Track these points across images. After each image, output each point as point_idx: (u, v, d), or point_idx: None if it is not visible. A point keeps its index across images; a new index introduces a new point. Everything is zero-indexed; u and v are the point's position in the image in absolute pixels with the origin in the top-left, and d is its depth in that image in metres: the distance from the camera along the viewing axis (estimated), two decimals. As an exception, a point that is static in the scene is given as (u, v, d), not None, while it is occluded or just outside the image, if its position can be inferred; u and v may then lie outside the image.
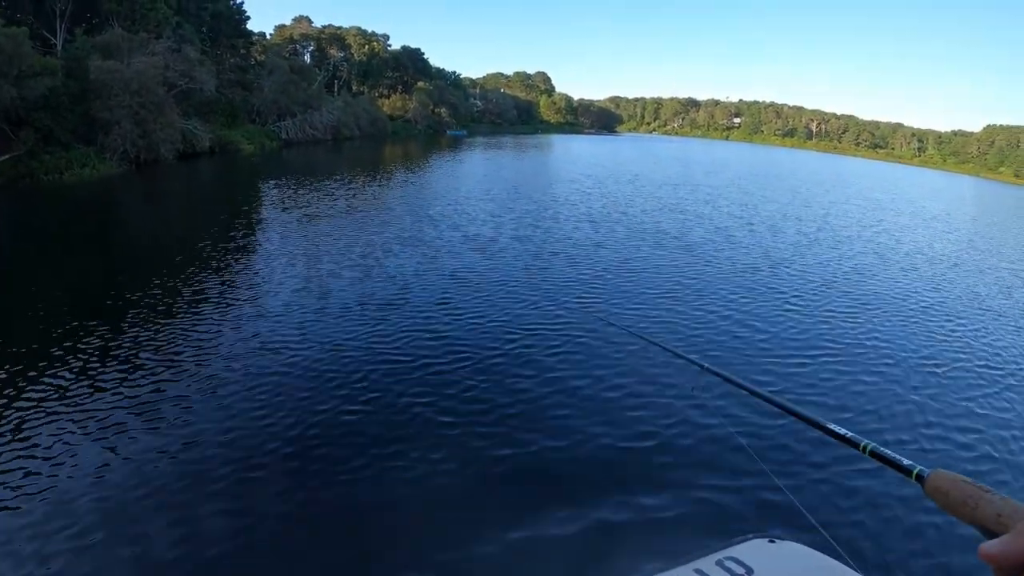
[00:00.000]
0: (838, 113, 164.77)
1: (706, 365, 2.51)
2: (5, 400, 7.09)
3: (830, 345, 10.73)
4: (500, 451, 6.50)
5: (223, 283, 12.25)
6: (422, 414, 7.17)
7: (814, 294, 14.19)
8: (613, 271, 14.73)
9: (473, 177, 34.77)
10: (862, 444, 1.32)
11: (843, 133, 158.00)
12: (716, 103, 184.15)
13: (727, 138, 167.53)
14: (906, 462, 1.15)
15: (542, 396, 7.83)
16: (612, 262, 15.58)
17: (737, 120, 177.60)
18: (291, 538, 5.15)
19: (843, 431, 1.41)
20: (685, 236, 19.90)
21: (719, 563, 2.35)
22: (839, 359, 10.09)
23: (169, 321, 9.94)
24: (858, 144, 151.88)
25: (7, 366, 7.93)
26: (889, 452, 1.22)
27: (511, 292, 12.38)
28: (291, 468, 6.05)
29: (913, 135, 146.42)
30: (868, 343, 11.11)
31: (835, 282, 15.54)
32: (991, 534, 0.75)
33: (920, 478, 1.05)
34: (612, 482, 6.07)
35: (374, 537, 5.27)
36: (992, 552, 0.58)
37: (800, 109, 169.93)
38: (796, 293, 14.10)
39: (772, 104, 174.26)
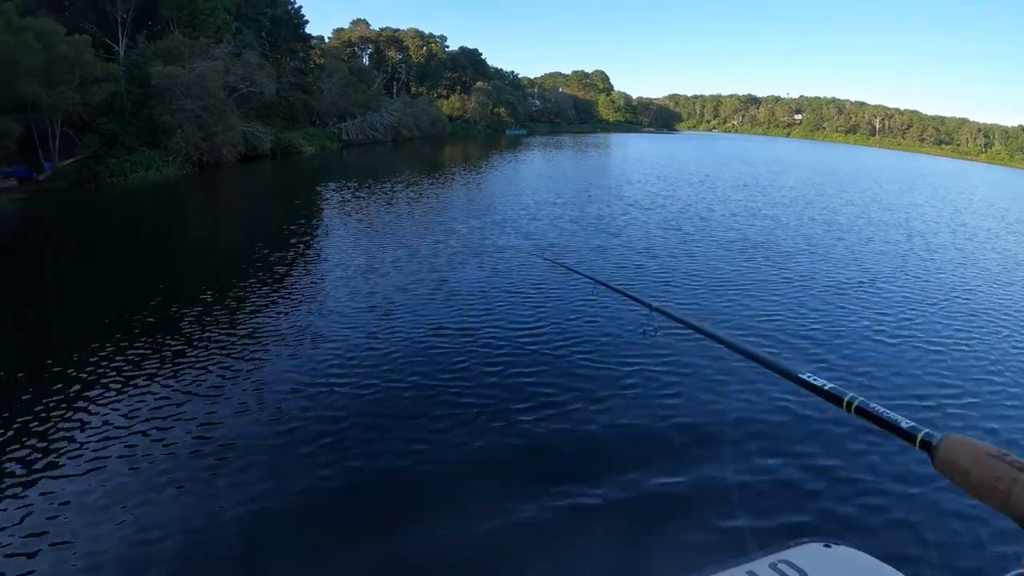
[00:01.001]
0: (902, 108, 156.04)
1: (655, 305, 2.46)
2: (68, 391, 7.29)
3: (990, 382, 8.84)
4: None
5: (282, 281, 12.13)
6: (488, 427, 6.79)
7: (933, 317, 11.89)
8: (705, 285, 12.80)
9: (537, 178, 32.99)
10: (846, 399, 1.05)
11: (907, 129, 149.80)
12: (776, 99, 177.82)
13: (788, 135, 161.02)
14: (905, 424, 0.88)
15: (613, 404, 7.35)
16: (701, 275, 13.58)
17: (798, 117, 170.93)
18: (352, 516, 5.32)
19: (820, 382, 1.16)
20: (772, 245, 17.48)
21: (772, 566, 2.28)
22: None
23: (227, 320, 9.90)
24: (922, 140, 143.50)
25: (73, 359, 8.18)
26: (885, 410, 0.96)
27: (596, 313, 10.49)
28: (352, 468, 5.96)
29: (979, 130, 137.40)
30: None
31: (946, 301, 13.11)
32: None
33: (928, 445, 0.81)
34: (662, 472, 5.89)
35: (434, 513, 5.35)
36: None
37: (863, 105, 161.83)
38: (908, 315, 11.79)
39: (834, 100, 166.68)
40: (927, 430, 0.83)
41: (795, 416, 7.06)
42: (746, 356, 1.49)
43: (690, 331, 1.98)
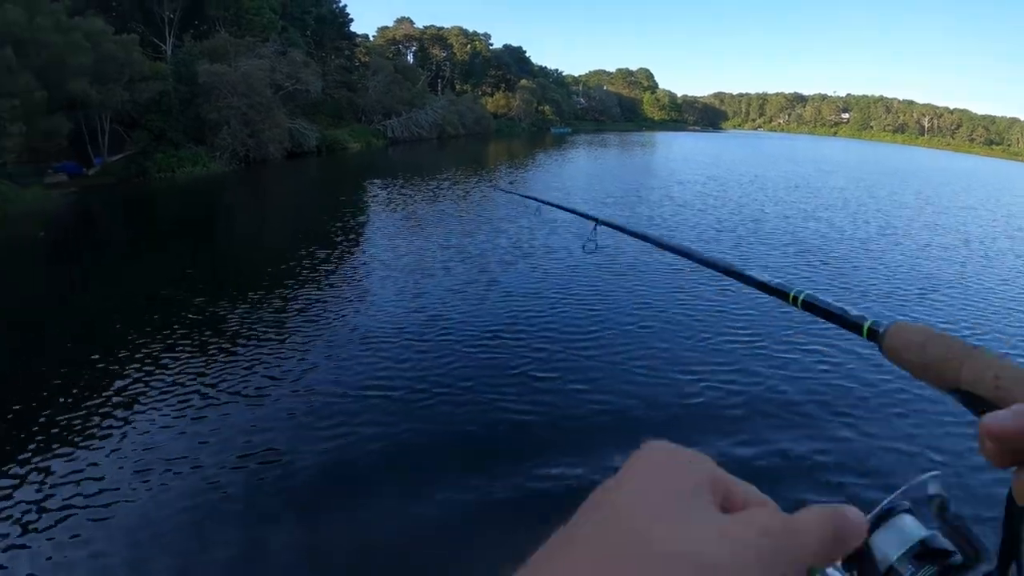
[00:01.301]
0: (951, 108, 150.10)
1: (601, 219, 2.43)
2: (110, 389, 7.06)
3: None
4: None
5: (328, 280, 11.75)
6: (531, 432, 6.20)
7: (997, 325, 10.45)
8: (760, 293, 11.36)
9: (585, 177, 31.56)
10: (791, 294, 1.06)
11: (956, 129, 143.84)
12: (823, 98, 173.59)
13: (835, 134, 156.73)
14: (854, 313, 0.89)
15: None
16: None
17: (845, 115, 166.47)
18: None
19: (766, 279, 1.17)
20: (827, 250, 15.67)
21: None
22: None
23: (273, 319, 9.55)
24: (972, 140, 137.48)
25: (118, 356, 7.98)
26: (831, 302, 0.96)
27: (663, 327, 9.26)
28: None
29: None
30: None
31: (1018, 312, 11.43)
32: (983, 403, 0.57)
33: (875, 334, 0.79)
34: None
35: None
36: (1006, 426, 0.38)
37: (911, 103, 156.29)
38: (976, 326, 10.32)
39: (881, 98, 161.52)
40: (874, 319, 0.82)
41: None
42: (694, 260, 1.48)
43: (635, 239, 1.92)
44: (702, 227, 17.83)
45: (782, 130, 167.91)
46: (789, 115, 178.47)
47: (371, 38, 69.96)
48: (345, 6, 49.83)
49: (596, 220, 2.48)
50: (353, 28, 52.22)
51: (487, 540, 4.60)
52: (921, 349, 0.67)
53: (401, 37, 73.67)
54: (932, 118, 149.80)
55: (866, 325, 0.82)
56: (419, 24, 77.02)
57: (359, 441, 5.89)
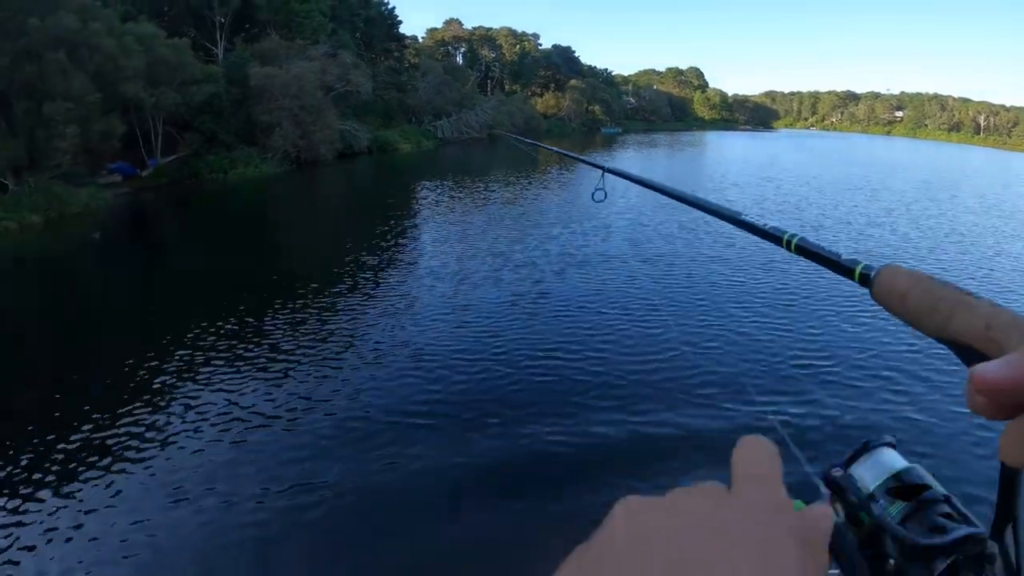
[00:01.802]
0: (1007, 105, 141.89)
1: (607, 167, 2.47)
2: (156, 391, 7.04)
3: None
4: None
5: (376, 288, 11.38)
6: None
7: None
8: (833, 309, 9.81)
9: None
10: (784, 238, 1.08)
11: (1013, 127, 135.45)
12: (876, 96, 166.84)
13: (889, 133, 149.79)
14: (845, 257, 0.88)
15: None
16: (825, 295, 10.50)
17: (899, 114, 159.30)
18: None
19: (761, 223, 1.18)
20: (895, 258, 13.44)
21: None
22: None
23: (318, 325, 9.30)
24: None
25: (168, 356, 7.92)
26: (823, 246, 0.98)
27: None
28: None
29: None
30: None
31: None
32: (973, 353, 0.54)
33: (865, 278, 0.77)
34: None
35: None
36: (996, 377, 0.35)
37: (967, 101, 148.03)
38: None
39: (936, 96, 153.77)
40: (866, 263, 0.80)
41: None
42: (691, 204, 1.52)
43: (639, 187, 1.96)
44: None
45: (835, 129, 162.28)
46: (842, 114, 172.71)
47: (420, 39, 70.17)
48: (394, 8, 49.85)
49: (603, 168, 2.53)
50: (402, 30, 52.30)
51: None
52: (910, 296, 0.63)
53: (450, 38, 73.64)
54: (988, 116, 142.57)
55: (857, 269, 0.80)
56: (468, 25, 77.09)
57: (405, 468, 5.50)
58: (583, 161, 3.01)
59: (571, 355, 7.80)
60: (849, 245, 15.39)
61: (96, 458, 5.57)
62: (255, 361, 7.77)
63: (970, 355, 0.51)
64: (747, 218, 1.22)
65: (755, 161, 43.10)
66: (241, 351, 8.09)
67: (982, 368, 0.36)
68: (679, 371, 7.29)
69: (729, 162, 42.74)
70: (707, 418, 6.23)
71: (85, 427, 6.09)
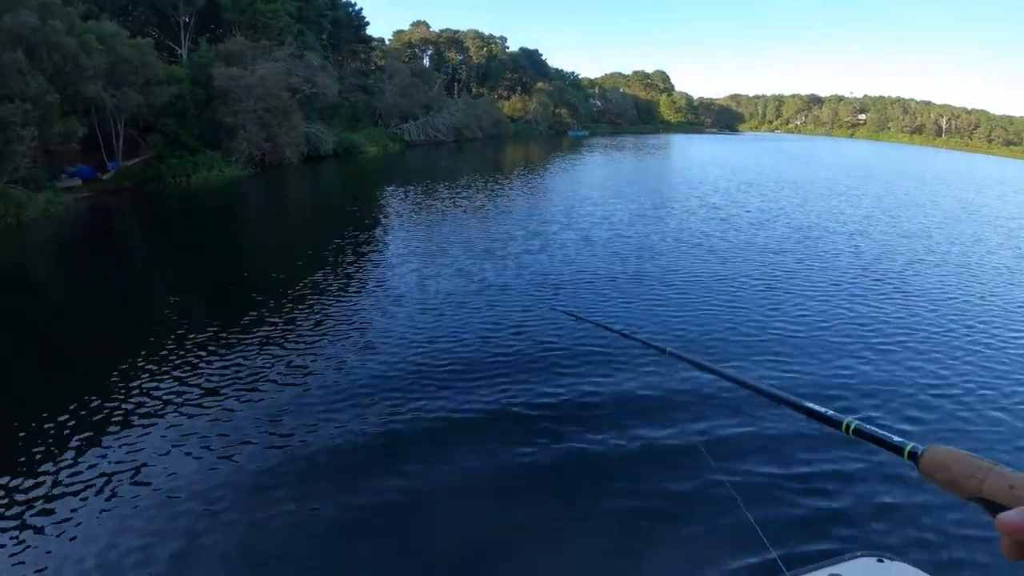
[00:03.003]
0: (968, 108, 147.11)
1: (669, 349, 2.34)
2: (121, 395, 7.14)
3: None
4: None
5: (338, 283, 11.73)
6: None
7: None
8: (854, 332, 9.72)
9: (609, 186, 28.54)
10: (844, 423, 1.18)
11: (974, 129, 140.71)
12: (839, 99, 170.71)
13: (852, 135, 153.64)
14: (896, 439, 1.05)
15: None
16: (839, 315, 10.57)
17: (862, 117, 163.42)
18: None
19: (821, 409, 1.28)
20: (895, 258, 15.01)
21: None
22: None
23: (284, 321, 9.65)
24: (991, 141, 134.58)
25: (127, 357, 8.09)
26: (876, 430, 1.11)
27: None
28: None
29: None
30: None
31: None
32: (999, 509, 0.72)
33: (914, 455, 0.97)
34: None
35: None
36: (1015, 521, 0.56)
37: (928, 104, 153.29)
38: None
39: (899, 99, 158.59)
40: (913, 443, 0.97)
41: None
42: (755, 391, 1.55)
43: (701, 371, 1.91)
44: (754, 248, 15.89)
45: (799, 132, 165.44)
46: (806, 117, 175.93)
47: (387, 42, 69.68)
48: (361, 9, 49.46)
49: (665, 351, 2.38)
50: (369, 32, 51.89)
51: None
52: (952, 468, 0.82)
53: (417, 40, 73.37)
54: (950, 119, 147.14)
55: (907, 449, 0.98)
56: (435, 27, 76.89)
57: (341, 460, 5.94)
58: (643, 343, 2.72)
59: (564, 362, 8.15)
60: (841, 250, 16.23)
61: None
62: (223, 371, 7.86)
63: (998, 510, 0.67)
64: (809, 405, 1.32)
65: (728, 166, 43.97)
66: (207, 360, 8.16)
67: (1005, 515, 0.51)
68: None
69: (702, 166, 43.24)
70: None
71: (44, 432, 6.29)
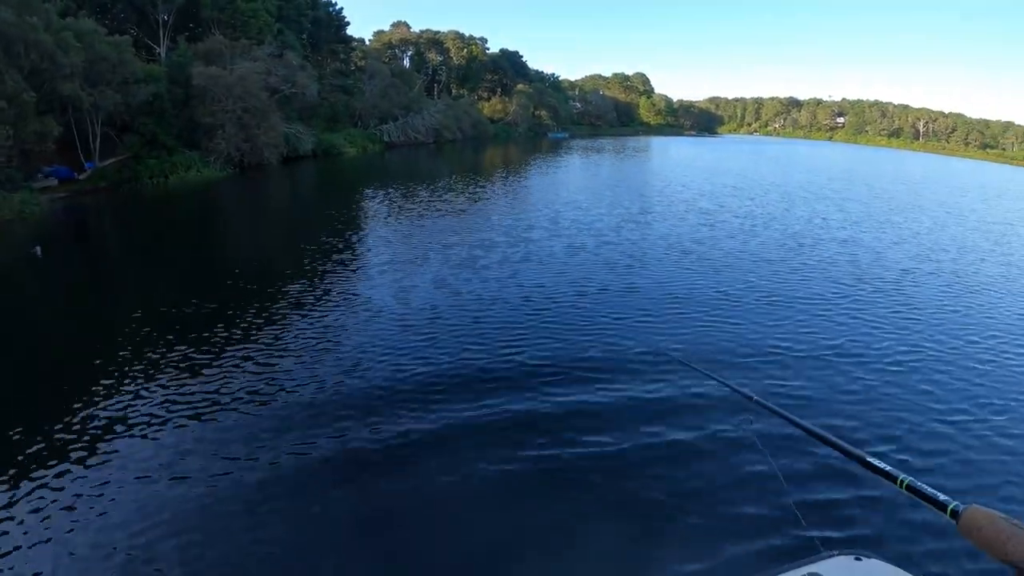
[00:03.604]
0: (945, 111, 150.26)
1: (755, 397, 2.52)
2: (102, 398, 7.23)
3: None
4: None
5: (319, 283, 11.89)
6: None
7: None
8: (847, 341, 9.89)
9: (591, 189, 28.87)
10: (899, 479, 1.33)
11: (951, 133, 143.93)
12: (818, 102, 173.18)
13: (831, 138, 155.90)
14: (942, 497, 1.17)
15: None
16: (830, 320, 10.89)
17: (840, 120, 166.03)
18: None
19: (881, 464, 1.45)
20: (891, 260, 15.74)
21: None
22: None
23: (264, 321, 9.82)
24: (967, 144, 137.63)
25: (111, 358, 8.25)
26: (927, 487, 1.24)
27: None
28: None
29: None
30: None
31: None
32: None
33: (955, 514, 1.07)
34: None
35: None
36: None
37: (906, 108, 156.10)
38: None
39: (877, 103, 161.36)
40: (956, 502, 1.08)
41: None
42: (829, 444, 1.73)
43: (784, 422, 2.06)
44: (747, 256, 16.05)
45: (778, 135, 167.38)
46: (784, 119, 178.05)
47: (367, 42, 69.38)
48: (341, 9, 49.35)
49: (752, 399, 2.54)
50: (349, 32, 51.75)
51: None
52: (983, 528, 0.91)
53: (397, 41, 73.11)
54: (927, 122, 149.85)
55: (950, 507, 1.08)
56: (415, 28, 76.71)
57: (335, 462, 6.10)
58: (737, 391, 2.74)
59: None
60: (832, 249, 17.05)
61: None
62: (192, 364, 8.09)
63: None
64: (871, 460, 1.48)
65: (709, 168, 44.80)
66: (178, 363, 8.24)
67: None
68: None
69: (685, 169, 43.55)
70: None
71: (29, 440, 6.31)
